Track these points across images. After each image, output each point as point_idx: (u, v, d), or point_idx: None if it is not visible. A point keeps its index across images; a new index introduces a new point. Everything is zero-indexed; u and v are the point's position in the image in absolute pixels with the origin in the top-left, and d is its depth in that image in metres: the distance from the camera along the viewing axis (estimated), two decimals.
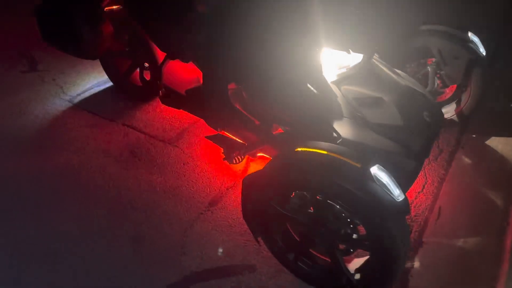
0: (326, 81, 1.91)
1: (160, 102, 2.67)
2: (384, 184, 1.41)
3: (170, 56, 2.50)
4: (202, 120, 2.75)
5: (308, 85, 1.87)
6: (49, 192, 2.29)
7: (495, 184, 2.28)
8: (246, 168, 2.44)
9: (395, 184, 1.44)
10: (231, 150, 2.20)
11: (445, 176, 2.33)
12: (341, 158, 1.45)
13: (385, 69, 2.09)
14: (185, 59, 2.48)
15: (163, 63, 2.52)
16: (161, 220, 2.11)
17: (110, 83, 3.23)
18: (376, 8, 2.08)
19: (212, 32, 2.05)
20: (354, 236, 1.56)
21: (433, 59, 2.49)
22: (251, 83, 2.04)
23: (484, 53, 2.32)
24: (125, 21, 2.67)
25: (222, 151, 2.25)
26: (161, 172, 2.42)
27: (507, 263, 1.86)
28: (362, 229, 1.55)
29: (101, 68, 3.24)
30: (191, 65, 2.56)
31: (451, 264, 1.89)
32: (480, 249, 1.95)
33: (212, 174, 2.39)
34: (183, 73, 2.68)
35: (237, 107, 2.27)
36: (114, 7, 2.69)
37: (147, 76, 2.89)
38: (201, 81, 2.69)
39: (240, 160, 2.15)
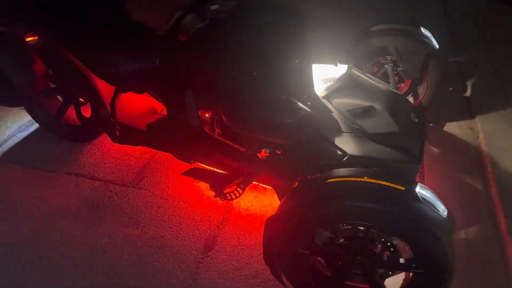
0: (318, 97, 1.80)
1: (111, 141, 2.34)
2: (430, 203, 1.35)
3: (121, 88, 2.19)
4: (160, 153, 2.49)
5: (300, 104, 1.75)
6: (6, 278, 1.86)
7: (468, 168, 2.39)
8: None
9: (438, 199, 1.39)
10: (221, 185, 1.99)
11: (423, 170, 2.38)
12: (383, 183, 1.36)
13: (364, 76, 2.04)
14: (140, 90, 2.20)
15: (114, 98, 2.20)
16: (156, 281, 1.83)
17: (35, 125, 2.77)
18: (326, 15, 2.04)
19: (187, 57, 1.83)
20: (401, 260, 1.48)
21: (388, 57, 2.53)
22: (232, 106, 1.84)
23: (437, 46, 2.41)
24: (53, 52, 2.29)
25: (209, 187, 2.03)
26: (135, 222, 2.11)
27: (510, 244, 1.94)
28: (402, 249, 1.48)
29: (15, 110, 2.77)
30: (142, 96, 2.29)
31: (459, 254, 1.91)
32: (481, 235, 2.01)
33: (195, 213, 2.16)
34: (134, 104, 2.38)
35: (213, 135, 2.07)
36: (36, 37, 2.29)
37: (85, 112, 2.52)
38: (159, 111, 2.43)
39: (238, 195, 1.95)
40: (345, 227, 1.49)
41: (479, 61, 3.37)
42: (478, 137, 2.63)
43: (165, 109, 2.43)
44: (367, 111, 1.88)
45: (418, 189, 1.36)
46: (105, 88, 2.34)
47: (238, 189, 1.94)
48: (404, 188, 1.35)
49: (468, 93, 3.04)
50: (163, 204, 2.21)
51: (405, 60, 2.45)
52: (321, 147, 1.78)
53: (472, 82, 3.12)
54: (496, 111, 2.82)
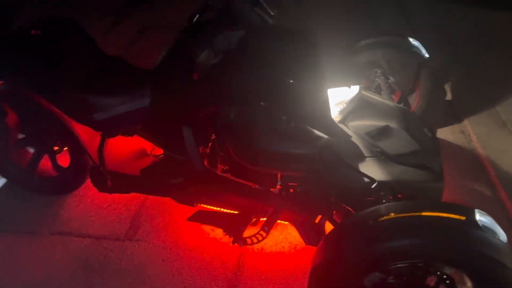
0: (335, 122, 1.68)
1: (98, 191, 2.10)
2: (491, 230, 1.26)
3: (109, 133, 1.97)
4: (151, 196, 2.27)
5: (316, 132, 1.62)
6: None
7: (470, 174, 2.36)
8: None
9: (496, 224, 1.31)
10: (237, 228, 1.81)
11: None
12: (443, 215, 1.25)
13: (371, 95, 1.96)
14: (130, 133, 1.99)
15: (102, 144, 1.96)
16: None
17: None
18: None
19: (186, 92, 1.66)
20: None
21: (378, 70, 2.48)
22: (241, 140, 1.68)
23: (427, 55, 2.38)
24: (21, 99, 2.03)
25: (224, 232, 1.84)
26: (141, 281, 1.88)
27: None
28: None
29: None
30: (129, 137, 2.07)
31: None
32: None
33: (206, 262, 1.96)
34: (122, 148, 2.16)
35: (218, 173, 1.89)
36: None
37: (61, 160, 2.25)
38: (149, 152, 2.22)
39: (261, 238, 1.78)
40: (400, 265, 1.36)
41: (451, 63, 3.42)
42: (471, 140, 2.63)
43: (156, 149, 2.24)
44: (383, 131, 1.79)
45: (478, 217, 1.27)
46: (85, 133, 2.10)
47: (262, 232, 1.77)
48: (464, 217, 1.25)
49: (449, 97, 3.06)
50: (168, 256, 1.99)
51: (397, 71, 2.40)
52: (345, 176, 1.66)
53: (450, 86, 3.15)
54: (481, 112, 2.85)
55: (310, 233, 1.82)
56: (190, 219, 1.95)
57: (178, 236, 2.09)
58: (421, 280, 1.36)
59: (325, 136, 1.63)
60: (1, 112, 1.95)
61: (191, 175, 1.89)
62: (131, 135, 2.03)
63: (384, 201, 1.63)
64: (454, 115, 2.87)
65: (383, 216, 1.30)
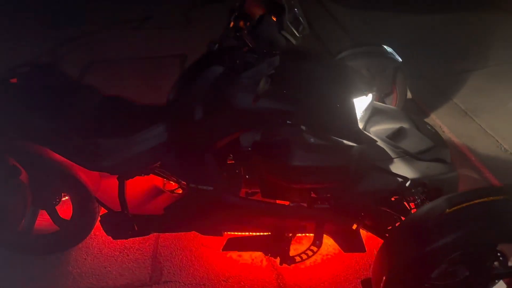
0: (362, 130, 1.76)
1: (113, 238, 1.99)
2: None
3: (127, 175, 1.87)
4: (164, 234, 2.19)
5: (346, 142, 1.70)
6: None
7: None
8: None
9: None
10: (280, 248, 1.81)
11: None
12: (503, 197, 1.37)
13: (377, 101, 2.08)
14: (148, 172, 1.92)
15: (122, 188, 1.86)
16: None
17: None
18: None
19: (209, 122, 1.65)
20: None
21: None
22: (278, 161, 1.70)
23: (400, 60, 2.58)
24: (24, 154, 1.87)
25: (266, 255, 1.83)
26: None
27: None
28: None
29: None
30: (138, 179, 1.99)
31: None
32: None
33: (246, 284, 1.92)
34: (134, 190, 2.06)
35: (247, 197, 1.89)
36: None
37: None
38: (162, 188, 2.14)
39: (312, 254, 1.79)
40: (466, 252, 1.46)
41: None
42: (443, 131, 2.87)
43: (168, 185, 2.17)
44: (399, 133, 1.91)
45: None
46: (91, 180, 1.98)
47: (312, 247, 1.78)
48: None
49: (409, 95, 3.32)
50: None
51: (378, 77, 2.57)
52: (379, 179, 1.75)
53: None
54: (442, 106, 3.13)
55: (348, 240, 1.87)
56: (224, 249, 1.91)
57: (207, 270, 2.02)
58: (483, 262, 1.46)
59: (355, 145, 1.70)
60: (16, 169, 1.77)
61: (219, 204, 1.87)
62: (148, 173, 1.95)
63: (417, 197, 1.74)
64: (419, 111, 3.12)
65: (448, 208, 1.39)
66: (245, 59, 1.62)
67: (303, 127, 1.66)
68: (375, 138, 1.84)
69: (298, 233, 1.90)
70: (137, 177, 1.95)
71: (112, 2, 5.75)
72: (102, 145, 1.79)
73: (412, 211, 1.74)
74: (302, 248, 1.85)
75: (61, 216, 2.08)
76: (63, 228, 2.09)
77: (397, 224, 1.77)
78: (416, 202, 1.74)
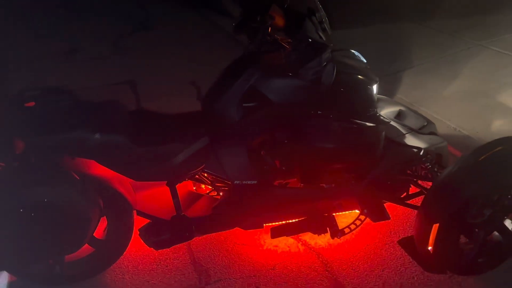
0: (378, 113, 2.07)
1: (155, 249, 2.04)
2: None
3: (178, 179, 1.95)
4: (194, 241, 2.25)
5: (369, 124, 2.00)
6: None
7: None
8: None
9: None
10: (331, 224, 2.01)
11: None
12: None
13: None
14: (194, 175, 2.02)
15: (176, 195, 1.92)
16: None
17: None
18: None
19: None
20: None
21: None
22: (325, 152, 1.94)
23: (365, 61, 2.99)
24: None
25: (315, 234, 2.03)
26: None
27: None
28: None
29: None
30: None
31: None
32: None
33: (295, 272, 2.08)
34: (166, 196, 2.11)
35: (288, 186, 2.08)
36: None
37: None
38: (196, 191, 2.22)
39: (361, 222, 2.03)
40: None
41: None
42: None
43: (199, 189, 2.23)
44: (400, 114, 2.27)
45: None
46: (129, 193, 2.00)
47: (360, 216, 2.02)
48: None
49: None
50: (259, 281, 2.03)
51: None
52: (400, 152, 2.06)
53: None
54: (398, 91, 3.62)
55: (375, 211, 2.13)
56: (273, 236, 2.07)
57: (251, 264, 2.13)
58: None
59: (375, 125, 2.00)
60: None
61: (261, 196, 2.02)
62: (193, 178, 2.04)
63: (428, 164, 2.09)
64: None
65: (480, 157, 1.73)
66: (289, 58, 1.85)
67: (332, 115, 1.92)
68: (387, 120, 2.16)
69: (335, 212, 2.11)
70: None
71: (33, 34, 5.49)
72: (151, 154, 1.85)
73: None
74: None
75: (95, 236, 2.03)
76: (99, 249, 2.04)
77: (427, 186, 2.06)
78: (429, 168, 2.09)
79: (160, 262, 2.17)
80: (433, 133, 2.25)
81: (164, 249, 2.19)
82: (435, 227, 1.74)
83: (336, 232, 2.02)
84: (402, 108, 2.30)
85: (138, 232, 2.01)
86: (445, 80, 3.80)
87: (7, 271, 2.02)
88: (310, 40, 1.80)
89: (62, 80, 4.16)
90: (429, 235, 1.77)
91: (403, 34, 4.91)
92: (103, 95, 2.04)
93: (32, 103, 1.83)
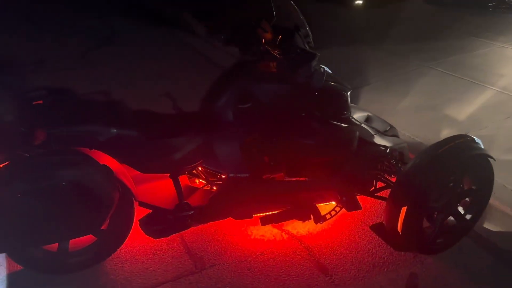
0: (352, 116, 2.40)
1: (154, 238, 2.24)
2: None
3: (180, 171, 2.16)
4: (186, 233, 2.45)
5: (344, 125, 2.33)
6: None
7: None
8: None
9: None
10: (312, 212, 2.29)
11: None
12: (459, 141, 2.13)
13: None
14: (192, 169, 2.25)
15: (179, 186, 2.13)
16: None
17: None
18: None
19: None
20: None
21: None
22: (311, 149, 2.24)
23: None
24: None
25: (300, 221, 2.29)
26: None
27: None
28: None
29: None
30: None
31: None
32: None
33: (282, 257, 2.32)
34: (167, 188, 2.31)
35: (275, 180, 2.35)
36: None
37: None
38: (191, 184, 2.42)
39: (339, 210, 2.32)
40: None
41: None
42: None
43: (193, 182, 2.44)
44: (368, 119, 2.62)
45: (473, 136, 2.21)
46: (131, 184, 2.17)
47: (336, 208, 2.31)
48: (470, 138, 2.17)
49: None
50: (250, 266, 2.26)
51: None
52: (371, 150, 2.40)
53: None
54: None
55: (349, 202, 2.43)
56: (263, 223, 2.30)
57: (242, 250, 2.36)
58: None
59: (350, 126, 2.33)
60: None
61: (252, 188, 2.27)
62: (191, 171, 2.25)
63: (393, 160, 2.44)
64: None
65: (439, 149, 2.09)
66: (280, 65, 2.14)
67: (313, 117, 2.22)
68: (359, 122, 2.50)
69: (316, 203, 2.39)
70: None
71: None
72: (158, 148, 2.05)
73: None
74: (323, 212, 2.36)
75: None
76: (101, 238, 2.18)
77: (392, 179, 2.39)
78: (393, 164, 2.44)
79: (156, 252, 2.34)
80: (395, 136, 2.61)
81: (159, 240, 2.38)
82: (403, 209, 2.06)
83: (319, 218, 2.29)
84: (370, 114, 2.66)
85: (139, 223, 2.19)
86: (398, 96, 4.26)
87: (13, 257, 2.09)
88: (299, 50, 2.10)
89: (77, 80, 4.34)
90: (398, 217, 2.09)
91: (358, 56, 5.40)
92: (116, 94, 2.22)
93: (40, 101, 1.98)
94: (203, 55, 5.36)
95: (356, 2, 7.81)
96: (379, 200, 2.54)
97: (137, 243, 2.38)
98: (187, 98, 2.38)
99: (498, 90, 4.24)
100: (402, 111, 3.98)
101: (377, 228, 2.30)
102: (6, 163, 1.92)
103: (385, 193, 2.36)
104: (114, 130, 1.91)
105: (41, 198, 1.77)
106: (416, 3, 7.33)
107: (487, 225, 2.53)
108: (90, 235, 2.12)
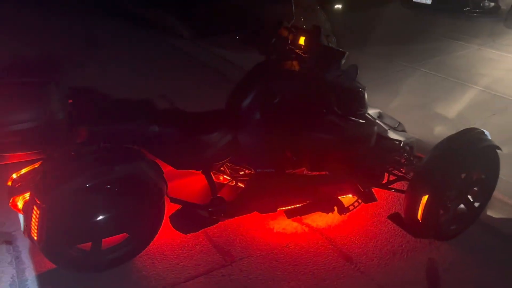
0: (368, 113, 2.54)
1: (184, 233, 2.32)
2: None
3: (212, 167, 2.23)
4: (210, 229, 2.51)
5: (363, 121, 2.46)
6: None
7: None
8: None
9: None
10: (337, 204, 2.40)
11: None
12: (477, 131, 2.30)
13: None
14: (221, 166, 2.33)
15: (212, 181, 2.21)
16: None
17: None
18: None
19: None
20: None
21: None
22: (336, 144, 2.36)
23: None
24: None
25: (324, 212, 2.40)
26: (279, 281, 2.19)
27: None
28: None
29: None
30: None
31: None
32: None
33: (306, 248, 2.42)
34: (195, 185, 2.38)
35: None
36: None
37: None
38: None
39: (359, 204, 2.44)
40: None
41: None
42: None
43: (217, 178, 2.50)
44: (380, 115, 2.76)
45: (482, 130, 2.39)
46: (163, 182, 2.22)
47: (358, 200, 2.43)
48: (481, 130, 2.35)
49: None
50: (277, 257, 2.34)
51: None
52: (387, 144, 2.54)
53: None
54: None
55: (365, 194, 2.56)
56: (289, 216, 2.40)
57: (267, 243, 2.44)
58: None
59: (369, 123, 2.47)
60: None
61: (277, 183, 2.37)
62: (219, 168, 2.33)
63: (406, 154, 2.59)
64: None
65: (450, 146, 2.24)
66: (305, 64, 2.24)
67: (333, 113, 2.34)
68: (374, 118, 2.64)
69: (337, 196, 2.50)
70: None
71: None
72: (192, 143, 2.11)
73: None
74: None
75: None
76: (132, 234, 2.21)
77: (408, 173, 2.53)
78: (406, 157, 2.58)
79: (184, 248, 2.38)
80: (404, 131, 2.77)
81: (185, 237, 2.42)
82: (424, 198, 2.20)
83: (343, 210, 2.41)
84: (380, 111, 2.80)
85: (169, 219, 2.23)
86: (388, 96, 4.45)
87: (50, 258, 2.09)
88: (325, 48, 2.21)
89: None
90: (419, 205, 2.23)
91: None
92: (148, 94, 2.26)
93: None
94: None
95: (336, 6, 8.03)
96: (390, 192, 2.68)
97: (163, 240, 2.41)
98: (216, 97, 2.43)
99: (481, 89, 4.51)
100: (394, 111, 4.14)
101: (395, 218, 2.44)
102: (39, 162, 1.94)
103: (397, 185, 2.51)
104: (153, 128, 1.96)
105: (100, 194, 1.80)
106: (395, 7, 7.63)
107: (489, 213, 2.72)
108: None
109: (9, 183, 1.99)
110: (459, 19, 6.58)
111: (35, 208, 1.71)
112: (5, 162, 1.76)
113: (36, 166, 2.01)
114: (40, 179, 1.77)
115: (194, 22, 6.31)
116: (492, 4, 5.96)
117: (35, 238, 1.76)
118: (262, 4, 5.74)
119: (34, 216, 1.72)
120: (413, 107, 4.20)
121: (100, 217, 1.87)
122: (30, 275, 2.21)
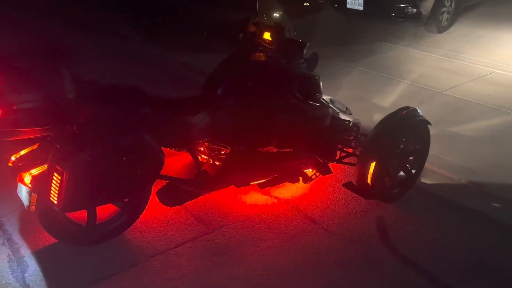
0: (323, 98, 2.97)
1: (169, 206, 2.59)
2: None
3: (193, 148, 2.53)
4: (188, 204, 2.81)
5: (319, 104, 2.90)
6: None
7: None
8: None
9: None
10: (302, 174, 2.78)
11: None
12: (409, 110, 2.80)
13: None
14: (201, 144, 2.64)
15: (196, 157, 2.50)
16: None
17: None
18: None
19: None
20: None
21: None
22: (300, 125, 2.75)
23: None
24: None
25: (292, 182, 2.77)
26: (264, 238, 2.54)
27: None
28: None
29: None
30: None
31: None
32: None
33: (281, 214, 2.78)
34: (178, 163, 2.66)
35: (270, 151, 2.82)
36: None
37: None
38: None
39: (319, 175, 2.83)
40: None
41: None
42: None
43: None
44: (331, 101, 3.21)
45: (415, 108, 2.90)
46: None
47: (317, 173, 2.83)
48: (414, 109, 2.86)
49: None
50: (254, 223, 2.70)
51: None
52: (340, 124, 2.99)
53: None
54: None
55: (325, 168, 2.97)
56: (261, 187, 2.75)
57: (242, 213, 2.78)
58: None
59: (324, 105, 2.90)
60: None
61: (251, 159, 2.72)
62: (199, 148, 2.63)
63: (354, 133, 3.05)
64: None
65: (392, 120, 2.72)
66: (272, 54, 2.62)
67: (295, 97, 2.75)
68: (327, 102, 3.08)
69: (301, 169, 2.90)
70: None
71: None
72: (181, 124, 2.40)
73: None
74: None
75: None
76: (123, 208, 2.44)
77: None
78: (354, 135, 3.04)
79: (168, 221, 2.66)
80: (351, 114, 3.24)
81: (168, 211, 2.70)
82: (372, 165, 2.66)
83: (306, 179, 2.81)
84: (331, 97, 3.25)
85: (156, 194, 2.50)
86: (332, 90, 4.94)
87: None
88: (289, 41, 2.60)
89: None
90: (368, 172, 2.68)
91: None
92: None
93: None
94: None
95: (274, 14, 8.56)
96: (341, 167, 3.13)
97: (148, 216, 2.66)
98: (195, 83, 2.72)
99: (410, 82, 5.16)
100: None
101: (349, 185, 2.87)
102: (37, 144, 2.14)
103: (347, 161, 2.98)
104: (146, 109, 2.23)
105: (113, 160, 2.03)
106: (329, 14, 8.29)
107: (423, 180, 3.26)
108: (114, 206, 2.40)
109: (10, 164, 2.17)
110: (387, 24, 7.32)
111: (55, 175, 1.91)
112: (15, 138, 1.94)
113: (34, 147, 2.20)
114: (57, 152, 1.97)
115: (142, 25, 6.48)
116: (415, 10, 6.72)
117: (55, 201, 1.95)
118: (211, 8, 6.06)
119: (54, 183, 1.92)
120: (354, 99, 4.72)
121: (110, 182, 2.10)
122: (26, 252, 2.38)
